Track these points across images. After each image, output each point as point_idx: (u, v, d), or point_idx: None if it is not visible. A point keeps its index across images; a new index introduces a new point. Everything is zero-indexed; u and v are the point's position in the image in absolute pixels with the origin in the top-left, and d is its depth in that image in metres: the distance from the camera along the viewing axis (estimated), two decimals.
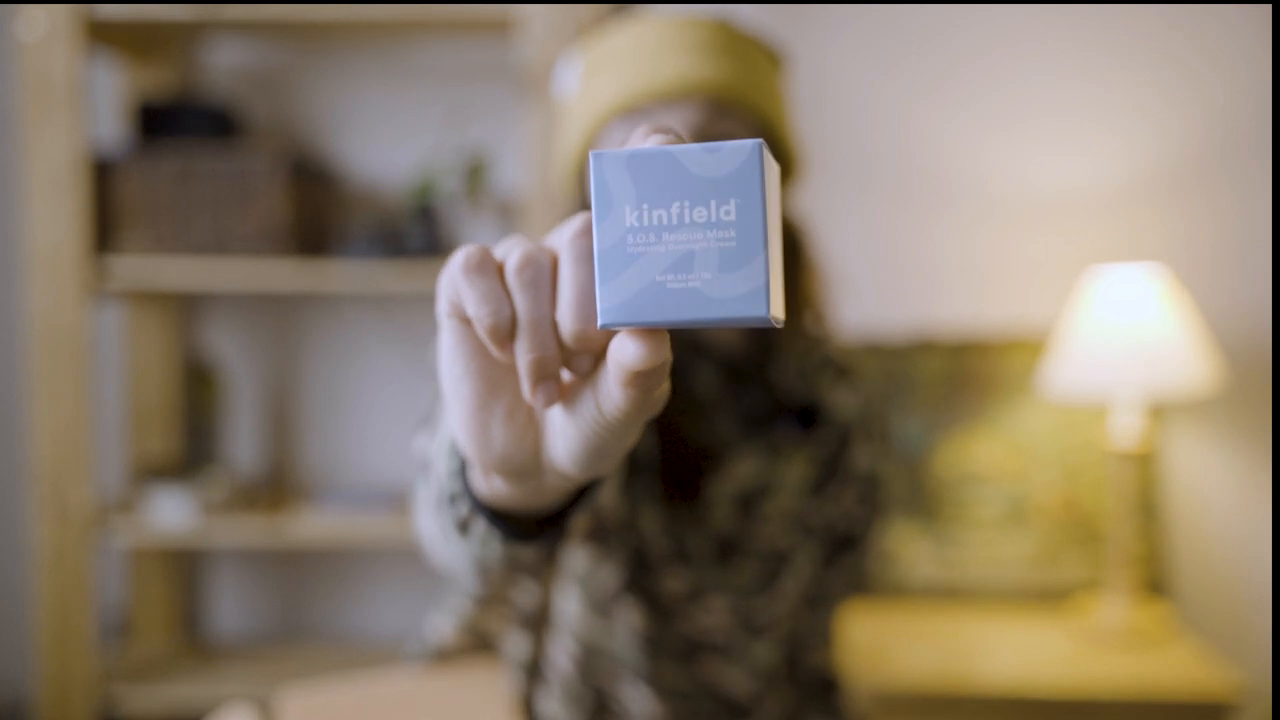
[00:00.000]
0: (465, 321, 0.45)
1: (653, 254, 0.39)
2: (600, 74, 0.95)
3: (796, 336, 1.03)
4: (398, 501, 1.93)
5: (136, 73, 2.01)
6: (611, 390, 0.41)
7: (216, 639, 2.13)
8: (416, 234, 1.84)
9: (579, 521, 0.61)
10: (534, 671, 0.99)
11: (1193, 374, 1.76)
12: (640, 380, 0.39)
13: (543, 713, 0.98)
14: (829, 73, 2.04)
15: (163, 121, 1.89)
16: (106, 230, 1.82)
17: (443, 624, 1.03)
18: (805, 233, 1.07)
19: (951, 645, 1.76)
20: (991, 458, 1.97)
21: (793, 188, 1.03)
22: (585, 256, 0.41)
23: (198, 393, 2.01)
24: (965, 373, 1.99)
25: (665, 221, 0.39)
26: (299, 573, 2.15)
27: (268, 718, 0.92)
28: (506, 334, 0.42)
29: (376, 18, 1.78)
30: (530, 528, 0.57)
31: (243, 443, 2.13)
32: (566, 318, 0.41)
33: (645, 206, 0.39)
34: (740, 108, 0.92)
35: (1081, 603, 1.87)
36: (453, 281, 0.43)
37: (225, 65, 2.08)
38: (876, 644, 1.74)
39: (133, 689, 1.86)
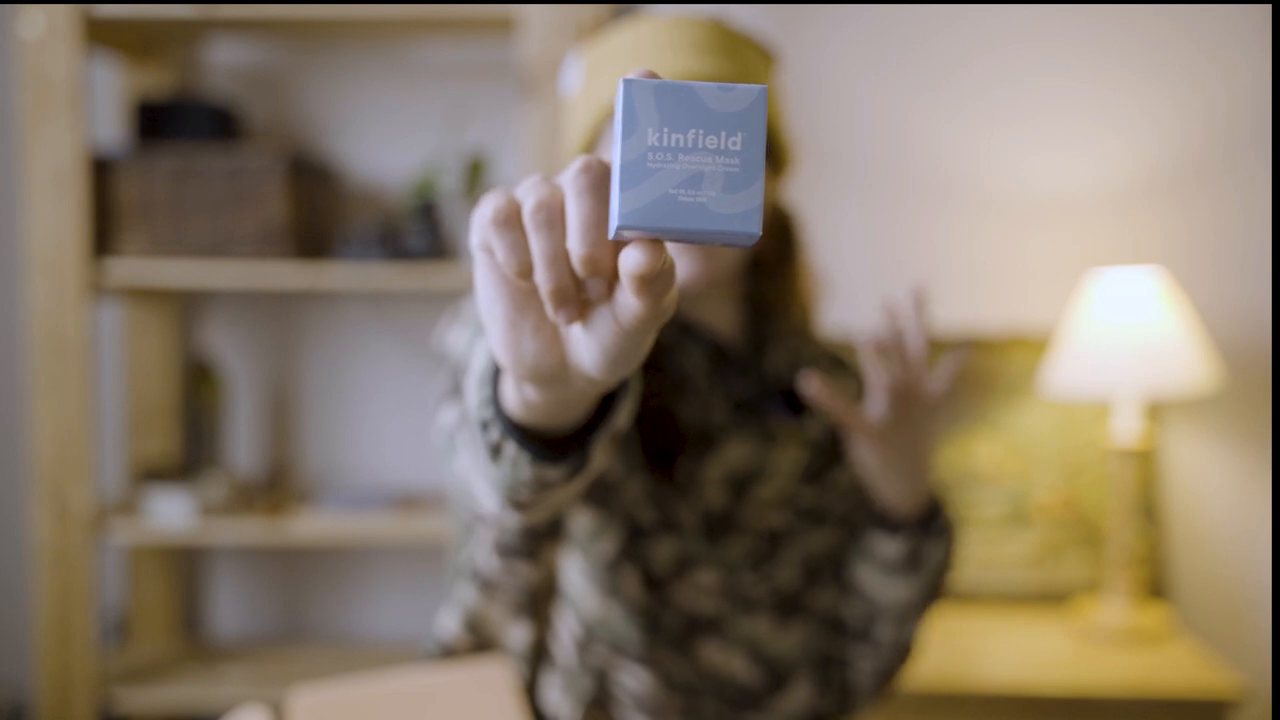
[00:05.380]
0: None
1: (668, 170, 0.45)
2: (601, 72, 0.97)
3: (786, 328, 1.07)
4: (398, 501, 1.93)
5: (136, 72, 2.01)
6: (629, 300, 0.47)
7: (216, 639, 2.13)
8: (416, 234, 1.84)
9: (600, 451, 0.66)
10: (537, 659, 1.01)
11: (1192, 374, 1.76)
12: (648, 286, 0.45)
13: (546, 703, 0.99)
14: (829, 73, 2.04)
15: (162, 121, 1.89)
16: (106, 230, 1.82)
17: (448, 621, 1.04)
18: (798, 228, 1.10)
19: (951, 645, 1.76)
20: (992, 458, 1.97)
21: (785, 182, 1.05)
22: (584, 191, 0.46)
23: (198, 393, 2.01)
24: (966, 372, 1.99)
25: (682, 144, 0.45)
26: (299, 573, 2.15)
27: (280, 718, 0.92)
28: (529, 272, 0.49)
29: (376, 17, 1.78)
30: (557, 451, 0.63)
31: (243, 443, 2.12)
32: (575, 244, 0.46)
33: (666, 130, 0.45)
34: None
35: (1081, 603, 1.88)
36: (484, 229, 0.49)
37: (224, 65, 2.08)
38: None
39: (133, 689, 1.86)
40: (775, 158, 1.01)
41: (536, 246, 0.48)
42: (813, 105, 2.02)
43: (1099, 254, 2.00)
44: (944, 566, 1.04)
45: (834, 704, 1.08)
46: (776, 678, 1.02)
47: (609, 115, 0.95)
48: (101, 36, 1.87)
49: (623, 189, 0.45)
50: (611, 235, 0.46)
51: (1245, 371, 1.98)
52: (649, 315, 0.47)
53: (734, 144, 0.45)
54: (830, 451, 1.06)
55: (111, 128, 2.05)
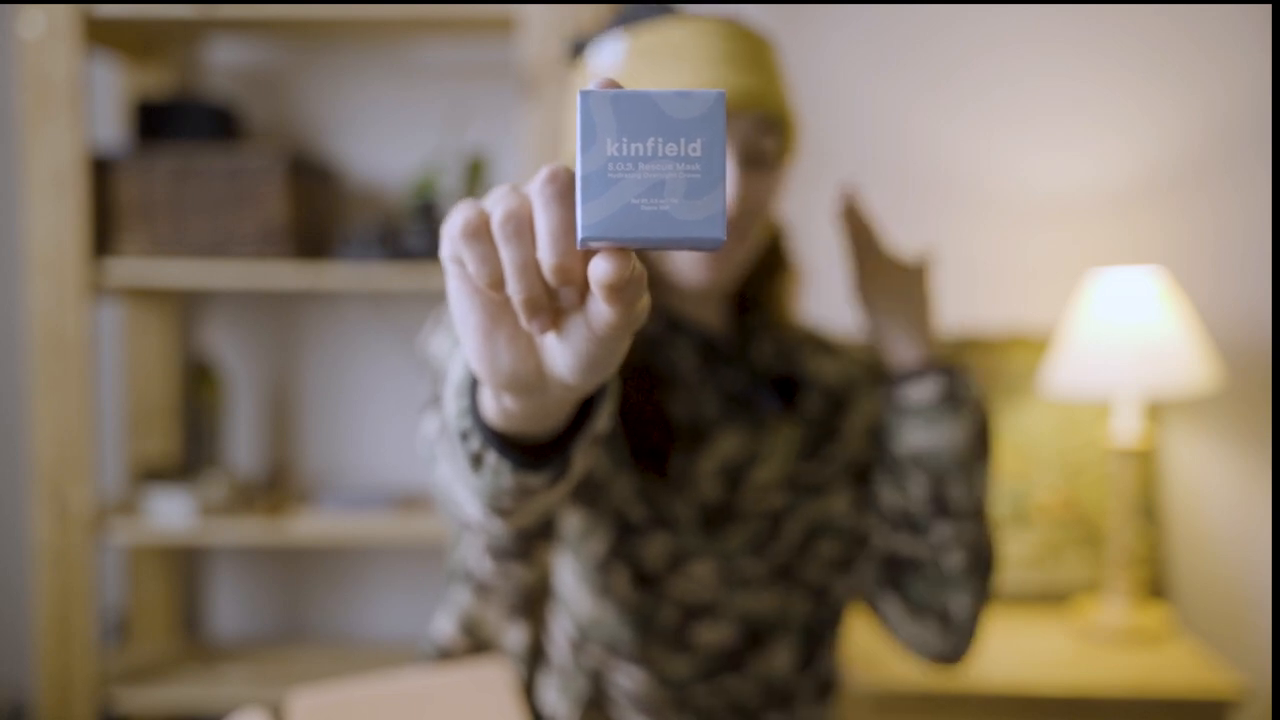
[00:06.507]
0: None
1: (629, 180, 0.45)
2: (650, 65, 0.97)
3: (772, 321, 1.10)
4: (398, 501, 1.93)
5: (136, 72, 2.01)
6: (601, 308, 0.47)
7: (216, 640, 2.13)
8: (416, 234, 1.84)
9: (580, 456, 0.67)
10: (534, 659, 1.02)
11: (1192, 374, 1.76)
12: (618, 294, 0.45)
13: (544, 704, 1.00)
14: (829, 73, 2.04)
15: (162, 121, 1.89)
16: (106, 230, 1.82)
17: (444, 624, 1.04)
18: (784, 232, 1.13)
19: None
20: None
21: (789, 165, 1.06)
22: (551, 200, 0.46)
23: (198, 393, 2.01)
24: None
25: (641, 153, 0.45)
26: (299, 573, 2.15)
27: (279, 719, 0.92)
28: (501, 284, 0.49)
29: (376, 17, 1.78)
30: (538, 458, 0.64)
31: (243, 443, 2.13)
32: (544, 254, 0.46)
33: (625, 139, 0.45)
34: (778, 122, 0.98)
35: (1081, 603, 1.88)
36: (453, 242, 0.49)
37: (224, 64, 2.08)
38: (877, 643, 1.75)
39: (133, 689, 1.86)
40: (785, 139, 1.02)
41: (506, 257, 0.48)
42: (813, 105, 2.02)
43: (1099, 254, 2.00)
44: (982, 406, 1.06)
45: (945, 644, 1.08)
46: (755, 638, 1.02)
47: None
48: (101, 36, 1.87)
49: (585, 201, 0.45)
50: (578, 247, 0.46)
51: (1245, 371, 1.98)
52: (621, 322, 0.47)
53: (694, 150, 0.45)
54: (826, 426, 1.07)
55: (111, 128, 2.05)
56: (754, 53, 0.97)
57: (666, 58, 0.96)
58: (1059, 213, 2.02)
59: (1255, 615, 2.00)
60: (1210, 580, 2.00)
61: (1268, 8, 1.96)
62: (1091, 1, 1.99)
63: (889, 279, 1.07)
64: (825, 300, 1.91)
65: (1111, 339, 1.77)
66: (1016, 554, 1.96)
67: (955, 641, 1.08)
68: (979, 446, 1.06)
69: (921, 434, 1.04)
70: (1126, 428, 1.80)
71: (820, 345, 1.12)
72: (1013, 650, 1.75)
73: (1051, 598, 1.94)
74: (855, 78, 2.04)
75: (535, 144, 1.76)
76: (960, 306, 2.02)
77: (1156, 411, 1.97)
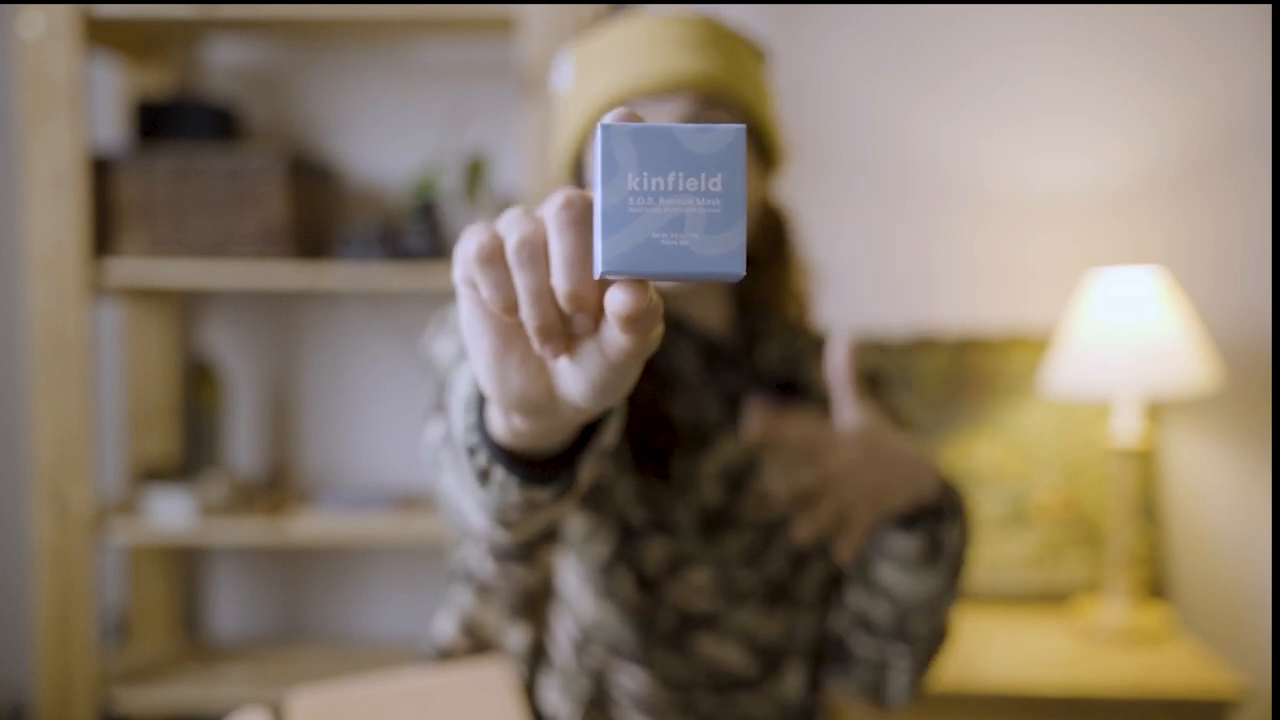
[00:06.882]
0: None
1: (650, 214, 0.45)
2: (593, 70, 0.98)
3: (779, 323, 1.09)
4: (398, 501, 1.93)
5: (136, 72, 2.01)
6: (615, 335, 0.47)
7: (216, 640, 2.13)
8: (416, 234, 1.84)
9: (587, 469, 0.67)
10: (535, 659, 1.02)
11: (1192, 374, 1.76)
12: (634, 324, 0.45)
13: (545, 704, 1.00)
14: (829, 73, 2.04)
15: (162, 121, 1.89)
16: (106, 230, 1.82)
17: (445, 625, 1.04)
18: (790, 225, 1.12)
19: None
20: (992, 458, 1.97)
21: (777, 178, 1.06)
22: (566, 227, 0.46)
23: (198, 393, 2.01)
24: (966, 372, 1.99)
25: (662, 188, 0.45)
26: (299, 573, 2.15)
27: (280, 719, 0.92)
28: (514, 308, 0.49)
29: (376, 17, 1.78)
30: (544, 472, 0.63)
31: (243, 443, 2.12)
32: (559, 281, 0.46)
33: (645, 174, 0.45)
34: (726, 100, 0.97)
35: (1081, 603, 1.88)
36: (467, 265, 0.49)
37: (224, 64, 2.08)
38: None
39: (133, 689, 1.86)
40: (767, 155, 1.02)
41: (520, 283, 0.48)
42: (813, 105, 2.02)
43: (1099, 254, 2.00)
44: (963, 545, 1.02)
45: (879, 707, 1.08)
46: (770, 664, 1.02)
47: (601, 112, 0.96)
48: (101, 36, 1.87)
49: (605, 235, 0.44)
50: (595, 279, 0.46)
51: (1245, 371, 1.98)
52: (635, 350, 0.47)
53: (714, 185, 0.45)
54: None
55: (111, 128, 2.05)
56: (702, 36, 0.97)
57: (615, 53, 0.97)
58: (1059, 213, 2.02)
59: (1255, 615, 2.00)
60: (1210, 580, 2.00)
61: (1268, 8, 1.96)
62: (1092, 1, 1.99)
63: (854, 473, 0.93)
64: (829, 301, 1.91)
65: (1111, 339, 1.77)
66: (1016, 554, 1.96)
67: (888, 707, 1.08)
68: (952, 587, 1.02)
69: (895, 576, 1.00)
70: (1126, 428, 1.80)
71: (825, 349, 1.11)
72: (1013, 650, 1.75)
73: (1051, 598, 1.94)
74: (855, 78, 2.04)
75: (535, 144, 1.76)
76: (960, 306, 2.02)
77: (1156, 411, 1.97)
